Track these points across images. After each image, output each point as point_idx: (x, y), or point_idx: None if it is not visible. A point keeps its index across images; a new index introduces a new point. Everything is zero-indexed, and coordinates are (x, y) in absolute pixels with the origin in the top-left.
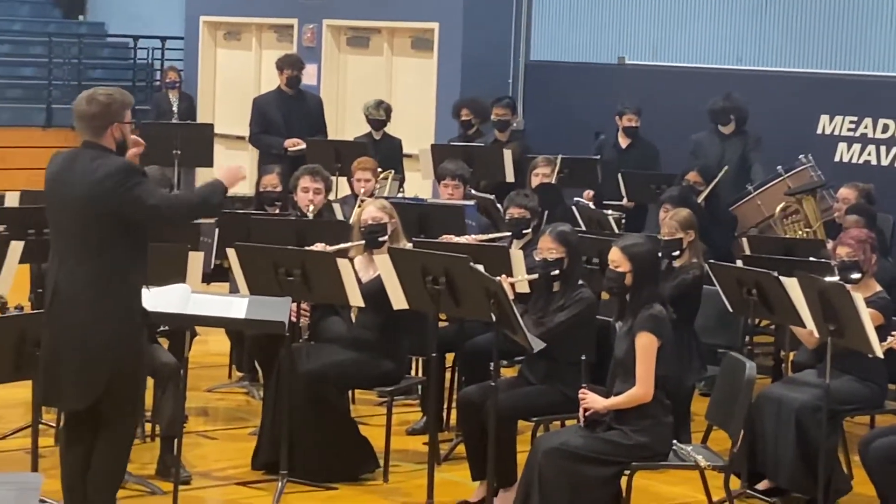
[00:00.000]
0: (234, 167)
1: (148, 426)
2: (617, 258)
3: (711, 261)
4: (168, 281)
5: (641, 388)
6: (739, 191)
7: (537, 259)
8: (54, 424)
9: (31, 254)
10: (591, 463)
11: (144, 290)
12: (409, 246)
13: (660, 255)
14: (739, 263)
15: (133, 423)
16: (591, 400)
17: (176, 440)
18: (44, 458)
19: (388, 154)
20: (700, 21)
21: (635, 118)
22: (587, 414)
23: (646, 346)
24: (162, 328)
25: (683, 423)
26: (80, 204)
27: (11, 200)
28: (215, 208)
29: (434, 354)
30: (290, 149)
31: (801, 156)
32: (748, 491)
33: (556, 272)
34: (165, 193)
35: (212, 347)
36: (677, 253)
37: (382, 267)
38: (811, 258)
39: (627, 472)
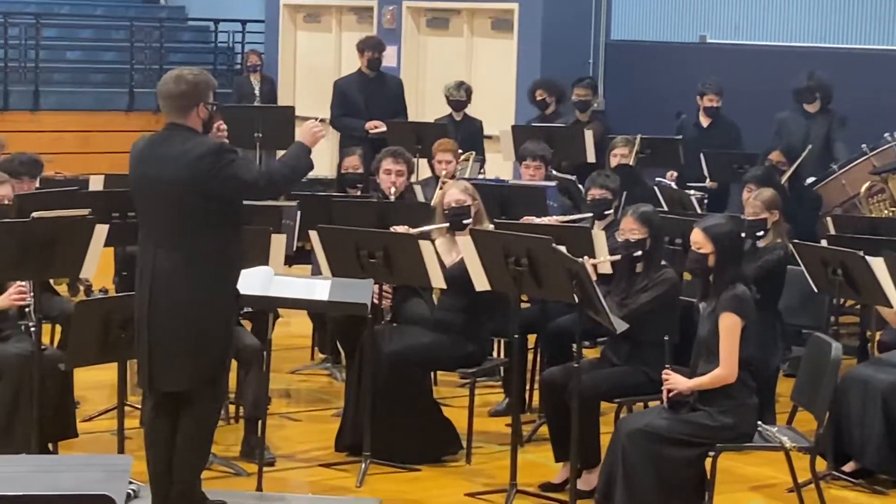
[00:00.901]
0: (310, 125)
1: (232, 408)
2: (699, 239)
3: (796, 241)
4: (251, 263)
5: (725, 369)
6: (823, 170)
7: (619, 240)
8: (139, 406)
9: (116, 237)
10: (675, 444)
11: None
12: (491, 227)
13: (743, 235)
14: (824, 243)
15: (218, 404)
16: (675, 381)
17: (260, 422)
18: (130, 440)
19: (469, 135)
20: None
21: (716, 98)
22: (670, 395)
23: (729, 326)
24: (245, 310)
25: (768, 404)
26: (175, 186)
27: (96, 184)
28: (306, 170)
29: (516, 336)
30: (370, 131)
31: (886, 134)
32: (834, 472)
33: (639, 253)
34: (259, 168)
35: (294, 329)
36: (761, 233)
37: (465, 249)
38: None
39: (712, 453)
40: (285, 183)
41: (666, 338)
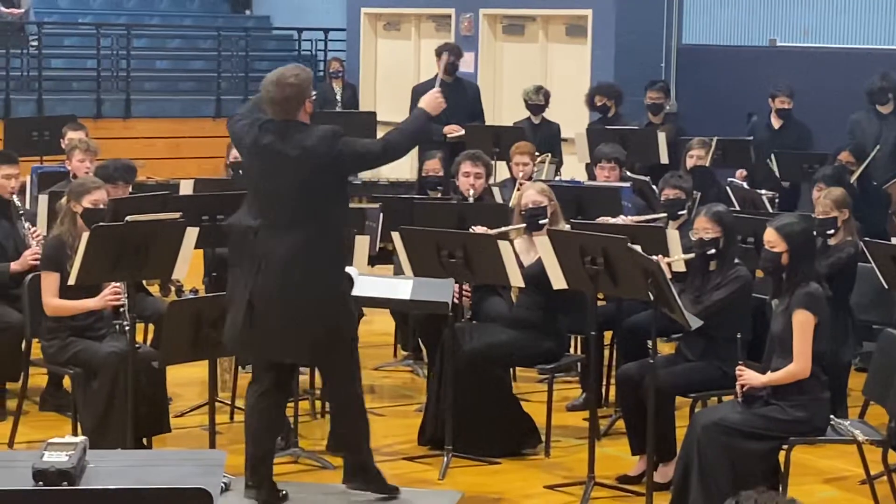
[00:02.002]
0: (433, 93)
1: (318, 403)
2: (772, 238)
3: (866, 238)
4: None
5: (799, 365)
6: (894, 170)
7: (693, 239)
8: (230, 402)
9: (206, 239)
10: (749, 438)
11: None
12: (567, 227)
13: (814, 233)
14: (894, 241)
15: (357, 384)
16: (749, 376)
17: None
18: (220, 435)
19: (547, 138)
20: (851, 2)
21: (788, 100)
22: (744, 389)
23: (803, 323)
24: None
25: (840, 398)
26: (299, 169)
27: (186, 188)
28: (424, 135)
29: (593, 333)
30: (449, 135)
31: None
32: None
33: (713, 251)
34: (375, 140)
35: (377, 327)
36: (832, 231)
37: (542, 248)
38: None
39: (785, 446)
40: (403, 147)
41: (739, 335)
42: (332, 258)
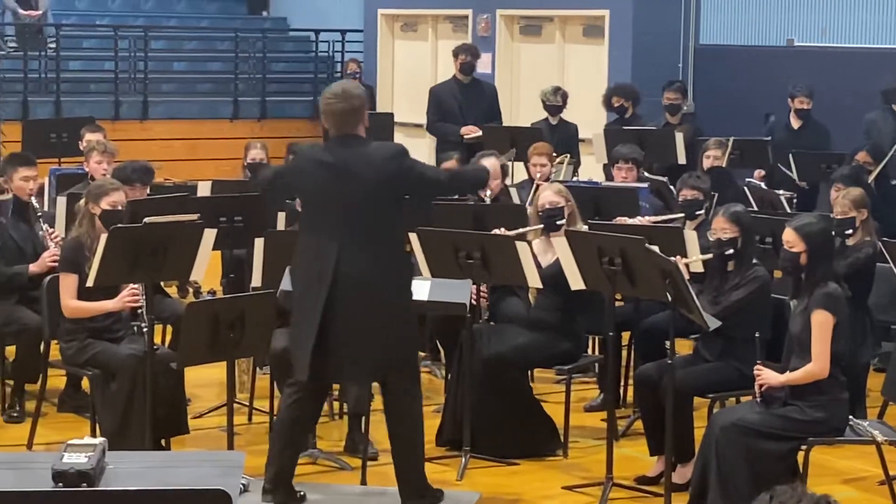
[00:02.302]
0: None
1: (336, 404)
2: (791, 238)
3: (885, 238)
4: None
5: (817, 365)
6: None
7: (711, 239)
8: (248, 404)
9: (223, 241)
10: (768, 438)
11: None
12: (585, 228)
13: (833, 233)
14: None
15: (420, 393)
16: (767, 376)
17: (363, 418)
18: (238, 436)
19: (565, 139)
20: (869, 1)
21: (807, 100)
22: (762, 389)
23: (822, 323)
24: None
25: (859, 398)
26: (368, 186)
27: (203, 190)
28: (483, 186)
29: (611, 333)
30: (466, 136)
31: None
32: None
33: (731, 252)
34: (441, 169)
35: None
36: (850, 231)
37: (560, 249)
38: None
39: (804, 447)
40: (465, 188)
41: (757, 334)
42: (404, 276)
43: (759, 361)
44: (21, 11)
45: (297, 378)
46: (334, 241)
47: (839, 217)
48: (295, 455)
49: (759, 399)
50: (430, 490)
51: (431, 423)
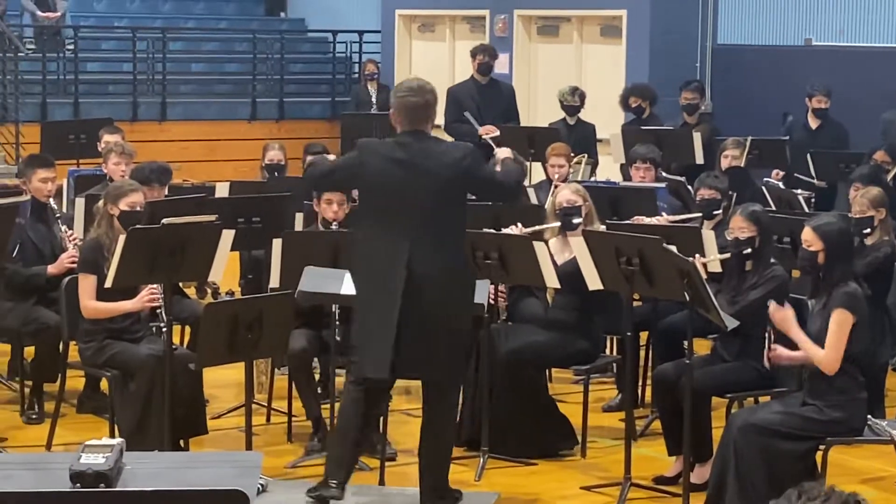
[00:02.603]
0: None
1: None
2: (809, 238)
3: None
4: None
5: (828, 356)
6: None
7: (729, 238)
8: (265, 404)
9: (242, 241)
10: (786, 438)
11: (347, 275)
12: (602, 228)
13: (852, 233)
14: None
15: (458, 397)
16: (780, 351)
17: (381, 418)
18: (257, 437)
19: (582, 139)
20: (887, 1)
21: (825, 100)
22: (771, 360)
23: (840, 321)
24: None
25: (877, 398)
26: (440, 184)
27: (222, 191)
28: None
29: (629, 333)
30: (484, 136)
31: None
32: None
33: (749, 251)
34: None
35: None
36: (868, 231)
37: (577, 249)
38: None
39: (822, 446)
40: (518, 189)
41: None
42: (470, 275)
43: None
44: (39, 13)
45: (376, 376)
46: (405, 239)
47: (857, 216)
48: (360, 453)
49: (767, 365)
50: (450, 491)
51: None
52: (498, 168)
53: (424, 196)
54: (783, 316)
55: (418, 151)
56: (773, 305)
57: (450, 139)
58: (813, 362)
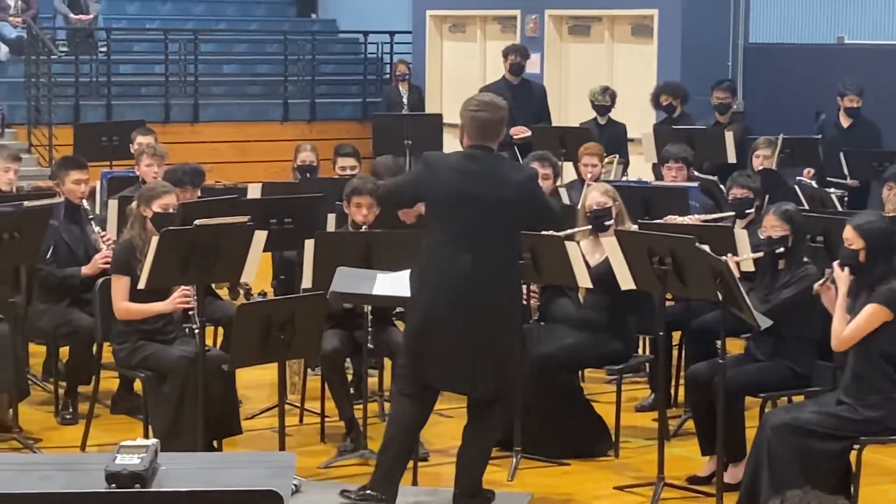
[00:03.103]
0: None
1: (387, 405)
2: (850, 236)
3: None
4: (401, 266)
5: (846, 334)
6: None
7: (762, 237)
8: (298, 405)
9: (274, 242)
10: (820, 438)
11: (379, 275)
12: (634, 228)
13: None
14: None
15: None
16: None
17: None
18: (290, 437)
19: (613, 138)
20: None
21: (857, 98)
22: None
23: (871, 314)
24: (397, 310)
25: None
26: (504, 202)
27: (254, 192)
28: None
29: (661, 333)
30: (515, 136)
31: None
32: None
33: (781, 250)
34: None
35: None
36: None
37: (609, 249)
38: None
39: (857, 446)
40: (561, 219)
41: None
42: (516, 291)
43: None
44: (72, 16)
45: (438, 387)
46: (467, 252)
47: (891, 215)
48: (408, 460)
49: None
50: (483, 491)
51: None
52: None
53: (488, 211)
54: (842, 277)
55: (486, 167)
56: (836, 265)
57: None
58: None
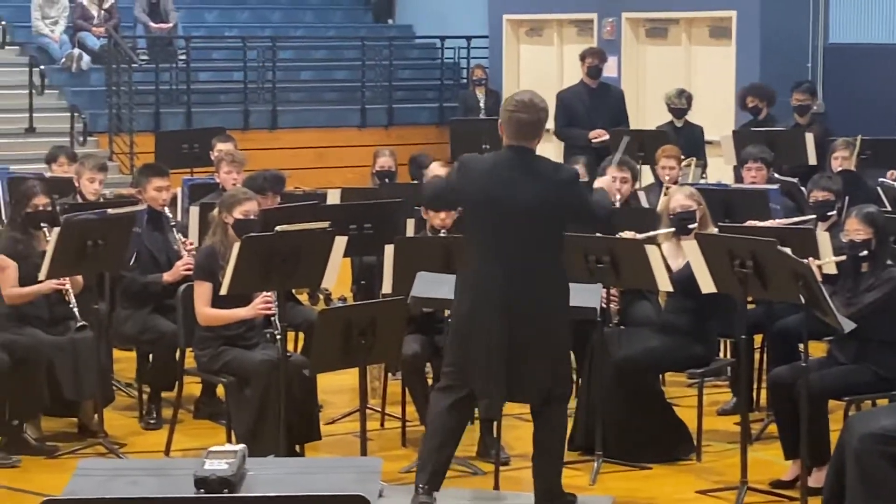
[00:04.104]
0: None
1: None
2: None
3: None
4: None
5: None
6: None
7: (844, 240)
8: (380, 409)
9: (354, 248)
10: None
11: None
12: (715, 231)
13: None
14: None
15: (567, 406)
16: None
17: (495, 423)
18: (371, 442)
19: (690, 141)
20: None
21: None
22: None
23: None
24: None
25: None
26: (542, 205)
27: (333, 198)
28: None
29: (743, 336)
30: (593, 140)
31: None
32: None
33: (864, 253)
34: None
35: None
36: None
37: (690, 252)
38: None
39: None
40: (608, 220)
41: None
42: (566, 294)
43: None
44: (152, 25)
45: (477, 393)
46: (499, 258)
47: None
48: (451, 459)
49: None
50: (564, 495)
51: None
52: None
53: (525, 212)
54: None
55: (521, 168)
56: None
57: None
58: None
